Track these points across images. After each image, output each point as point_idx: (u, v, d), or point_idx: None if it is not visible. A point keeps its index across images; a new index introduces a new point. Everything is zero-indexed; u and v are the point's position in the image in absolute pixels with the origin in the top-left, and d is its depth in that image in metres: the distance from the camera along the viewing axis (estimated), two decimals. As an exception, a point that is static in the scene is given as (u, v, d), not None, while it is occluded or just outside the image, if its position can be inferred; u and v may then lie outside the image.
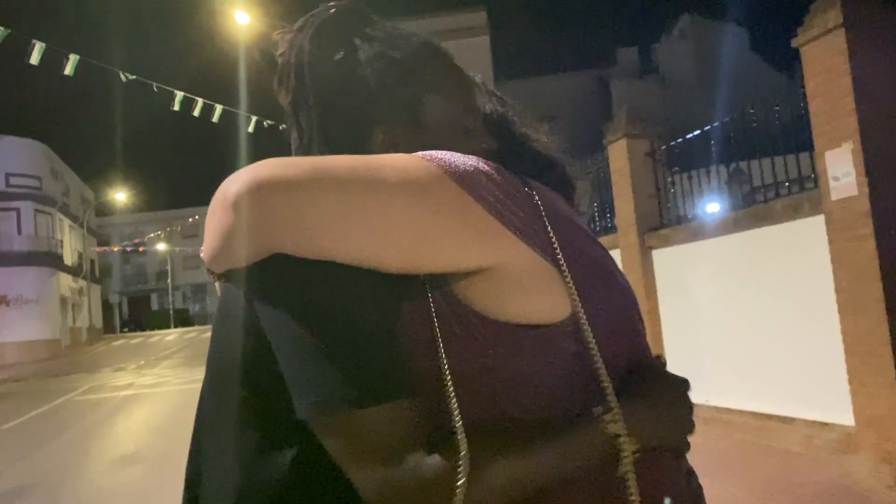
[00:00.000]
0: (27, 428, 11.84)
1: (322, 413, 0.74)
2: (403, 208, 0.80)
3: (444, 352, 0.81)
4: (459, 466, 0.73)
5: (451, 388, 0.80)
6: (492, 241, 0.83)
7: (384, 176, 0.80)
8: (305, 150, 1.00)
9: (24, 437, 10.78)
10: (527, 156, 1.06)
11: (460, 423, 0.76)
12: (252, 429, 0.84)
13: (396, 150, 0.95)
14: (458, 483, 0.72)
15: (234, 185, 0.78)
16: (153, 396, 14.81)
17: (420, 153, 0.86)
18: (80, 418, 12.36)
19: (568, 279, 0.87)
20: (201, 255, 0.88)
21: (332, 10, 1.03)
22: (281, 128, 17.12)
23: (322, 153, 0.98)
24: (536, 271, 0.85)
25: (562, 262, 0.88)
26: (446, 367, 0.81)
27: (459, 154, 0.89)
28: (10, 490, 7.09)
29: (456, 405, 0.78)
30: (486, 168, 0.89)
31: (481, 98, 1.08)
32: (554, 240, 0.89)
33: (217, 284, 0.92)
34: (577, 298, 0.87)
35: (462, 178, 0.84)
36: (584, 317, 0.87)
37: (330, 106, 0.98)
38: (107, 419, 11.96)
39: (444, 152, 0.88)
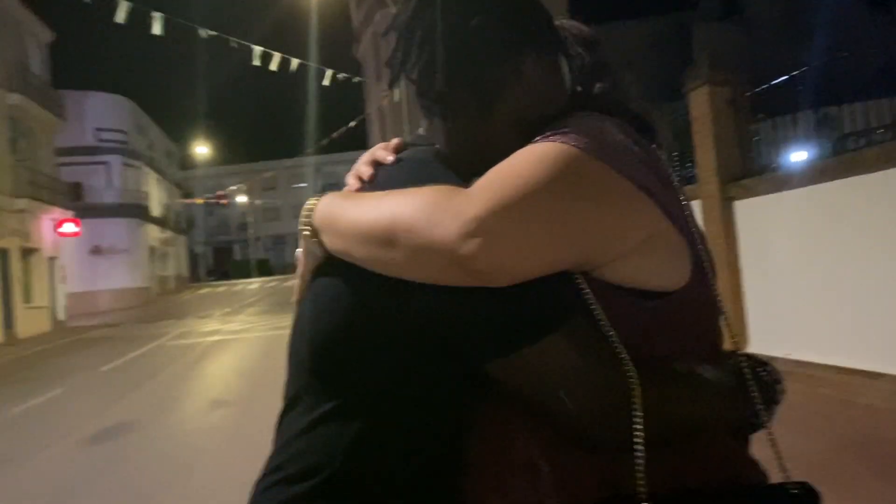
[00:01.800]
0: (123, 370, 12.56)
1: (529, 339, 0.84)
2: (583, 213, 0.85)
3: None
4: (632, 379, 0.84)
5: (610, 330, 0.88)
6: (642, 219, 0.89)
7: (557, 187, 0.84)
8: (394, 69, 1.04)
9: (121, 379, 11.45)
10: (615, 111, 1.06)
11: (625, 354, 0.86)
12: (326, 399, 0.95)
13: (467, 112, 1.00)
14: (634, 392, 0.84)
15: (464, 246, 0.80)
16: (239, 342, 15.45)
17: (566, 137, 0.89)
18: (170, 362, 13.03)
19: (704, 252, 0.97)
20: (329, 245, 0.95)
21: None
22: (354, 80, 17.25)
23: (411, 81, 1.03)
24: (671, 243, 0.92)
25: (696, 235, 0.96)
26: (600, 314, 0.88)
27: (596, 124, 0.93)
28: (110, 427, 7.59)
29: (617, 339, 0.87)
30: (624, 137, 0.93)
31: (572, 63, 1.09)
32: (687, 212, 0.97)
33: (305, 251, 1.00)
34: (711, 269, 0.98)
35: (610, 157, 0.88)
36: (715, 284, 0.98)
37: (440, 43, 0.99)
38: (196, 363, 12.57)
39: (588, 127, 0.91)
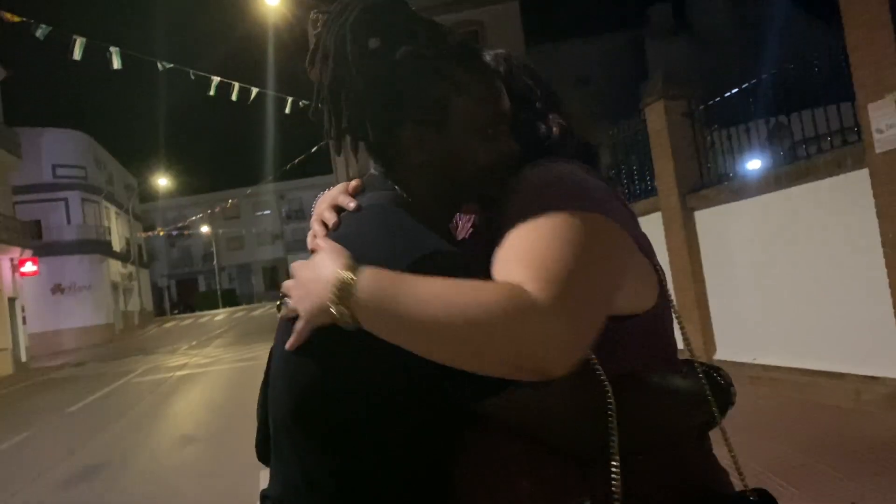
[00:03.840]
0: (91, 410, 12.31)
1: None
2: (612, 276, 0.93)
3: None
4: (609, 396, 0.91)
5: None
6: (630, 256, 1.01)
7: (598, 263, 0.91)
8: (335, 136, 1.07)
9: (89, 419, 11.21)
10: (574, 152, 1.15)
11: (603, 375, 0.93)
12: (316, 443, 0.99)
13: (421, 147, 1.05)
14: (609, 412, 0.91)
15: (555, 368, 0.83)
16: (208, 375, 15.24)
17: (580, 197, 0.97)
18: (139, 399, 12.81)
19: (663, 276, 1.07)
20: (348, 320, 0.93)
21: None
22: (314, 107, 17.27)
23: (355, 139, 1.08)
24: (641, 270, 1.03)
25: (657, 262, 1.07)
26: None
27: (575, 173, 1.03)
28: (82, 469, 7.42)
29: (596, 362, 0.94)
30: (596, 181, 1.04)
31: (506, 100, 1.12)
32: (647, 239, 1.07)
33: (313, 315, 0.96)
34: (668, 288, 1.09)
35: (605, 209, 0.98)
36: (674, 301, 1.09)
37: (364, 96, 1.04)
38: (165, 399, 12.37)
39: (592, 188, 1.00)
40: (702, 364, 1.09)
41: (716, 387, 1.05)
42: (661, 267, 1.08)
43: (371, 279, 0.91)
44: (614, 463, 0.92)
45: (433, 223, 1.01)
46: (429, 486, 0.98)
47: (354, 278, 0.91)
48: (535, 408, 0.90)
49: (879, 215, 5.38)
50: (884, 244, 5.37)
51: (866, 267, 5.61)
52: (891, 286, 5.34)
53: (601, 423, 0.91)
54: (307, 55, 1.10)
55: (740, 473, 1.08)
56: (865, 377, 5.73)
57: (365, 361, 0.93)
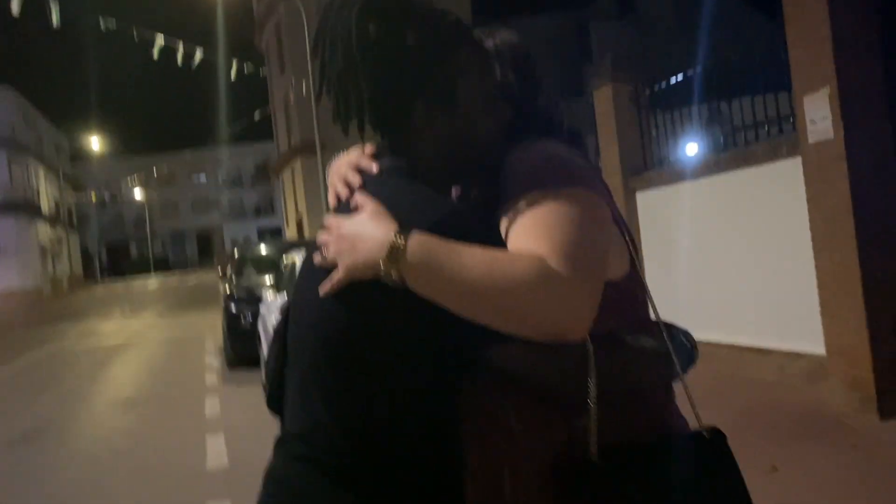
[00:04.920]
0: (24, 375, 12.05)
1: None
2: (607, 243, 1.12)
3: None
4: (588, 349, 1.05)
5: None
6: (612, 233, 1.18)
7: (601, 241, 1.10)
8: (346, 118, 1.16)
9: (23, 384, 10.98)
10: (540, 120, 1.29)
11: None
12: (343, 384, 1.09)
13: (433, 121, 1.15)
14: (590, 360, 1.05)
15: (575, 334, 1.00)
16: (144, 341, 15.02)
17: (571, 176, 1.11)
18: (75, 364, 12.58)
19: (632, 248, 1.23)
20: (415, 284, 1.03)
21: None
22: (260, 74, 17.07)
23: (369, 122, 1.16)
24: (617, 240, 1.19)
25: (628, 235, 1.22)
26: None
27: (577, 159, 1.18)
28: (17, 435, 7.30)
29: None
30: (583, 161, 1.21)
31: (500, 70, 1.26)
32: (622, 214, 1.23)
33: (359, 270, 1.04)
34: (637, 259, 1.24)
35: (601, 192, 1.15)
36: (643, 271, 1.26)
37: (377, 82, 1.13)
38: (103, 364, 12.16)
39: (578, 167, 1.15)
40: (672, 326, 1.25)
41: (681, 347, 1.22)
42: (632, 237, 1.23)
43: (420, 244, 1.01)
44: (593, 410, 1.07)
45: (440, 190, 1.16)
46: (439, 430, 1.10)
47: (405, 242, 1.01)
48: (528, 360, 1.04)
49: (809, 201, 5.69)
50: (812, 228, 5.70)
51: (794, 249, 5.95)
52: (816, 268, 5.68)
53: (582, 375, 1.05)
54: (311, 45, 1.19)
55: (698, 418, 1.24)
56: (789, 353, 6.10)
57: (391, 309, 1.04)
